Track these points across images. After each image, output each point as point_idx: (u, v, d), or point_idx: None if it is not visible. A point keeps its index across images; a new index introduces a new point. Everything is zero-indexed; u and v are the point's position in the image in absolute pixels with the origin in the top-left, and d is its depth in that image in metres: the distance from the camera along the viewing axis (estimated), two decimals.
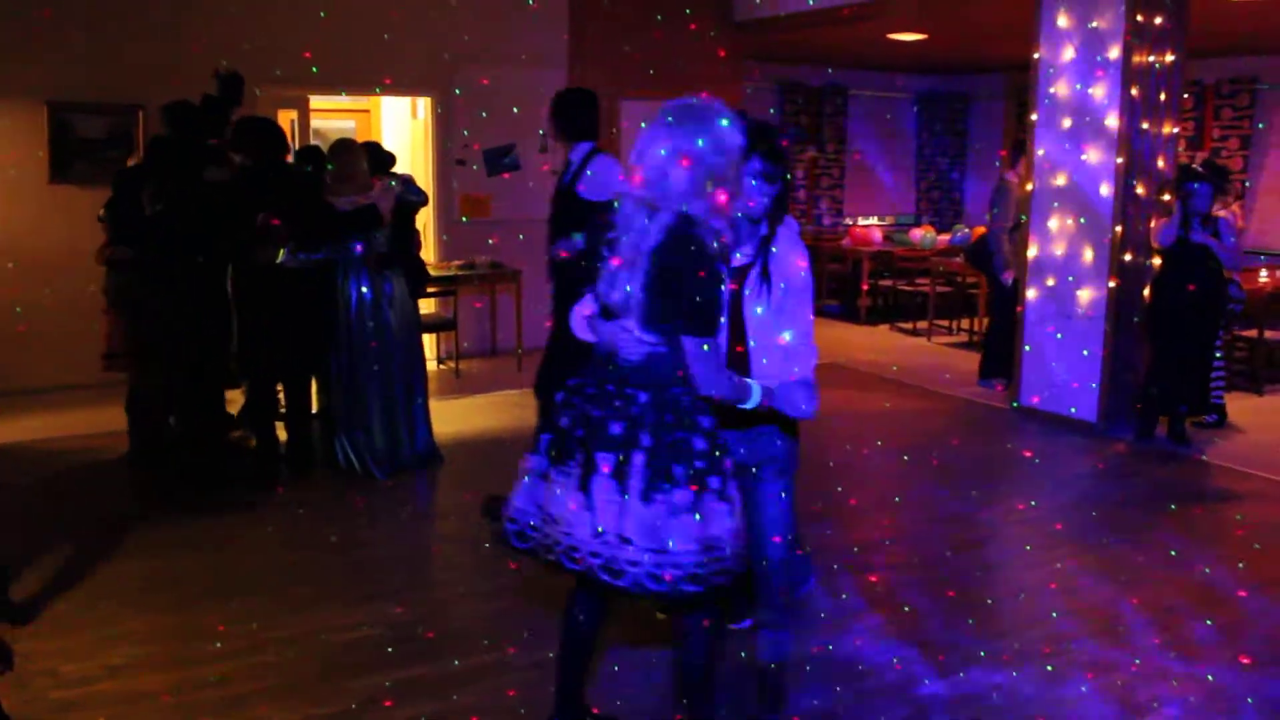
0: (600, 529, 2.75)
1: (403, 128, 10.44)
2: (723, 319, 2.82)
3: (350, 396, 6.12)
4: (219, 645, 4.11)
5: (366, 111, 11.37)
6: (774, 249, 3.07)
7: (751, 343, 3.05)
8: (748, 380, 2.88)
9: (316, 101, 9.49)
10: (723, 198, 2.75)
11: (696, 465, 2.76)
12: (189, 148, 5.83)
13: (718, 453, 2.82)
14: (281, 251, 5.80)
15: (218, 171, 5.85)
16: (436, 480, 6.30)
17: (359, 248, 6.00)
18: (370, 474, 6.12)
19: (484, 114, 9.36)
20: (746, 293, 3.04)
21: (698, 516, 2.73)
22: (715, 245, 2.75)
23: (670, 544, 2.71)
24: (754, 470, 3.17)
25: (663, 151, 2.73)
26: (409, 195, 6.28)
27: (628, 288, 2.77)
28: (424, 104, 9.63)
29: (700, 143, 2.72)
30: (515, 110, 9.23)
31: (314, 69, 8.21)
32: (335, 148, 6.27)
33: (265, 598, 4.55)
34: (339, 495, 5.90)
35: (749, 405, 2.85)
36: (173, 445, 6.17)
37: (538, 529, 2.89)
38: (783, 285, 3.03)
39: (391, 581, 4.77)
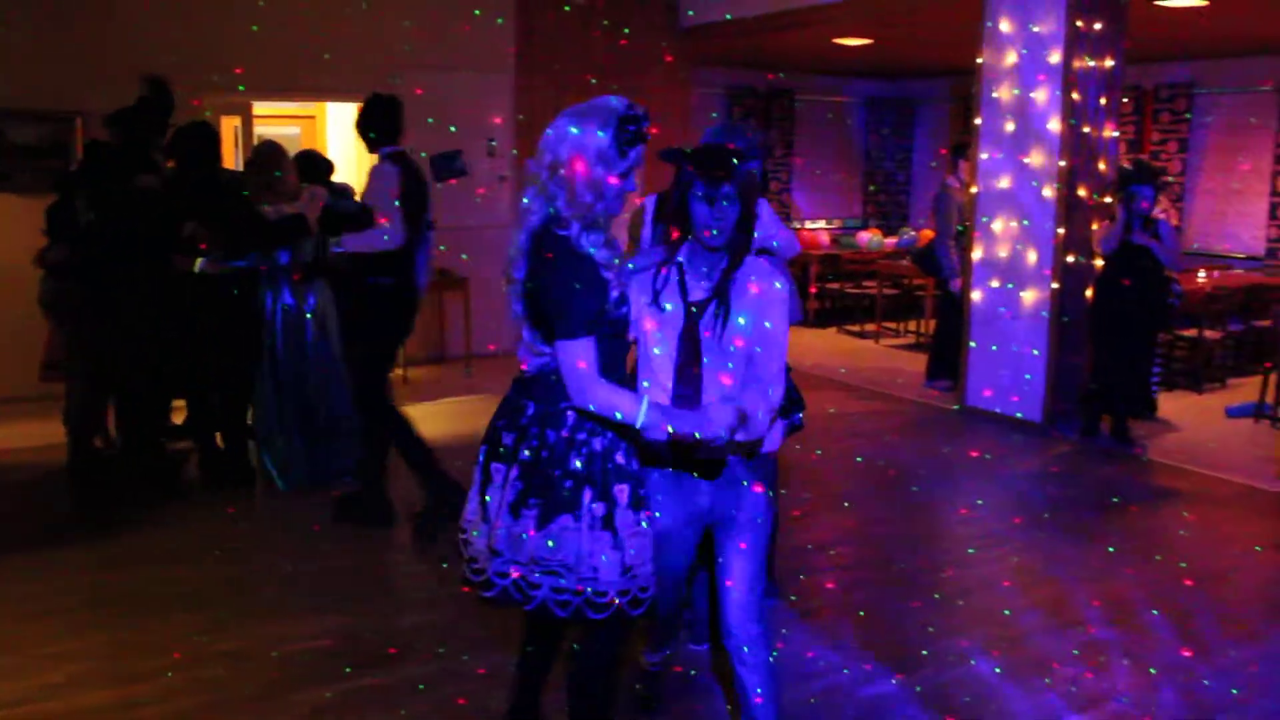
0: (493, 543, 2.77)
1: (349, 134, 10.34)
2: (610, 327, 2.70)
3: (269, 408, 5.99)
4: (163, 660, 4.04)
5: (312, 118, 11.25)
6: (738, 282, 2.82)
7: (705, 359, 2.80)
8: (631, 394, 2.66)
9: (261, 108, 9.38)
10: (561, 190, 2.67)
11: (565, 485, 2.68)
12: (123, 154, 5.73)
13: (606, 477, 2.71)
14: (199, 259, 5.70)
15: (150, 179, 5.73)
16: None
17: (284, 258, 5.88)
18: (281, 486, 6.00)
19: (430, 120, 9.30)
20: (705, 335, 2.80)
21: (550, 543, 2.67)
22: (587, 243, 2.66)
23: (531, 560, 2.69)
24: (723, 523, 2.96)
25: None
26: (339, 205, 6.21)
27: None
28: None
29: (551, 134, 2.72)
30: (453, 128, 9.18)
31: (240, 87, 8.12)
32: (254, 154, 6.15)
33: (209, 611, 4.48)
34: (283, 508, 5.83)
35: (636, 423, 2.58)
36: (112, 457, 6.06)
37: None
38: (741, 320, 2.77)
39: (339, 592, 4.71)
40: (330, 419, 6.10)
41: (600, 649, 2.93)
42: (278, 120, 11.16)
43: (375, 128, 5.44)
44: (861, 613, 4.49)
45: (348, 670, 3.97)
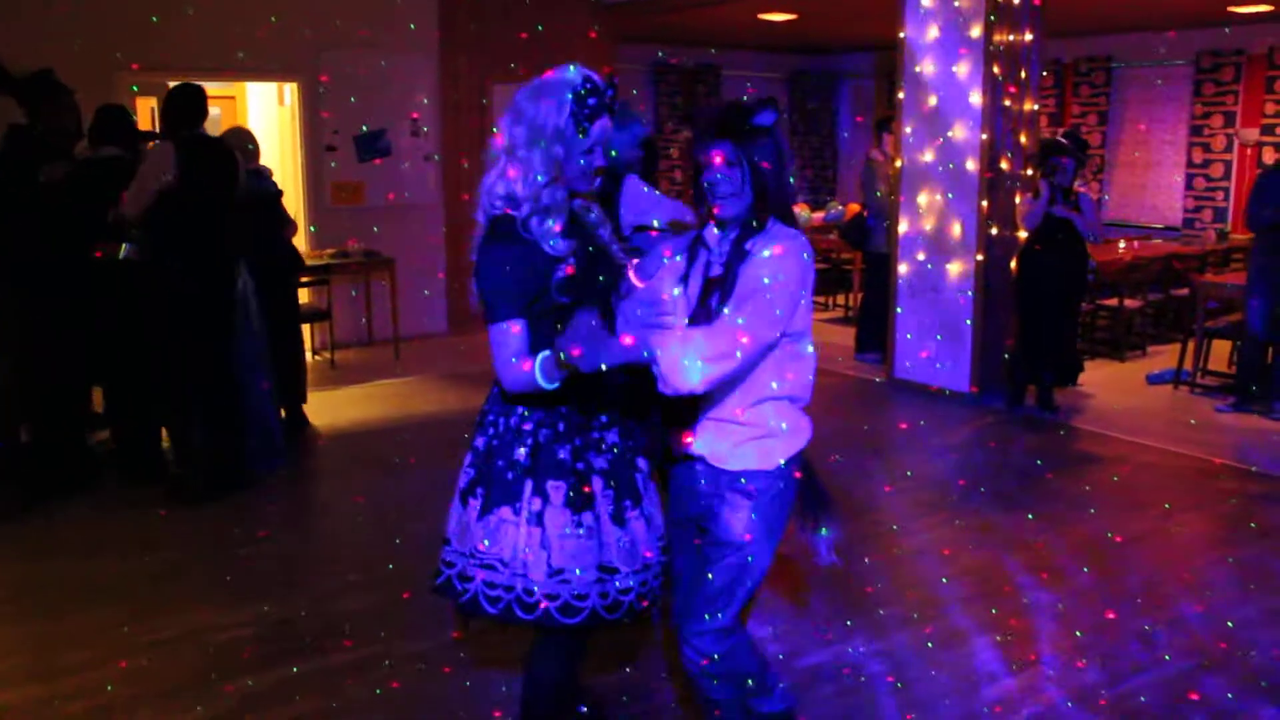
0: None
1: (270, 114, 10.17)
2: (558, 312, 2.54)
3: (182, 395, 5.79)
4: (87, 653, 3.96)
5: (232, 98, 11.03)
6: (751, 255, 2.64)
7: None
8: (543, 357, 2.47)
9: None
10: (512, 172, 2.54)
11: (508, 476, 2.59)
12: (25, 145, 5.52)
13: (545, 471, 2.58)
14: (124, 246, 5.55)
15: (52, 169, 5.45)
16: (309, 475, 6.16)
17: None
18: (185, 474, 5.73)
19: (353, 99, 9.18)
20: (714, 306, 2.64)
21: (486, 542, 2.59)
22: (534, 227, 2.54)
23: (471, 552, 2.62)
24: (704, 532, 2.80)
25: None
26: (259, 185, 6.15)
27: None
28: (290, 90, 9.39)
29: (507, 114, 2.58)
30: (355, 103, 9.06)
31: (134, 87, 7.92)
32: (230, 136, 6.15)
33: (135, 602, 4.39)
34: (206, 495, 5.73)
35: (539, 381, 2.45)
36: (28, 449, 5.87)
37: None
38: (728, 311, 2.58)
39: (266, 579, 4.64)
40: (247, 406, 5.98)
41: (545, 664, 2.79)
42: None
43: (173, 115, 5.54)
44: (793, 585, 4.53)
45: (277, 657, 3.92)
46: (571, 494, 2.58)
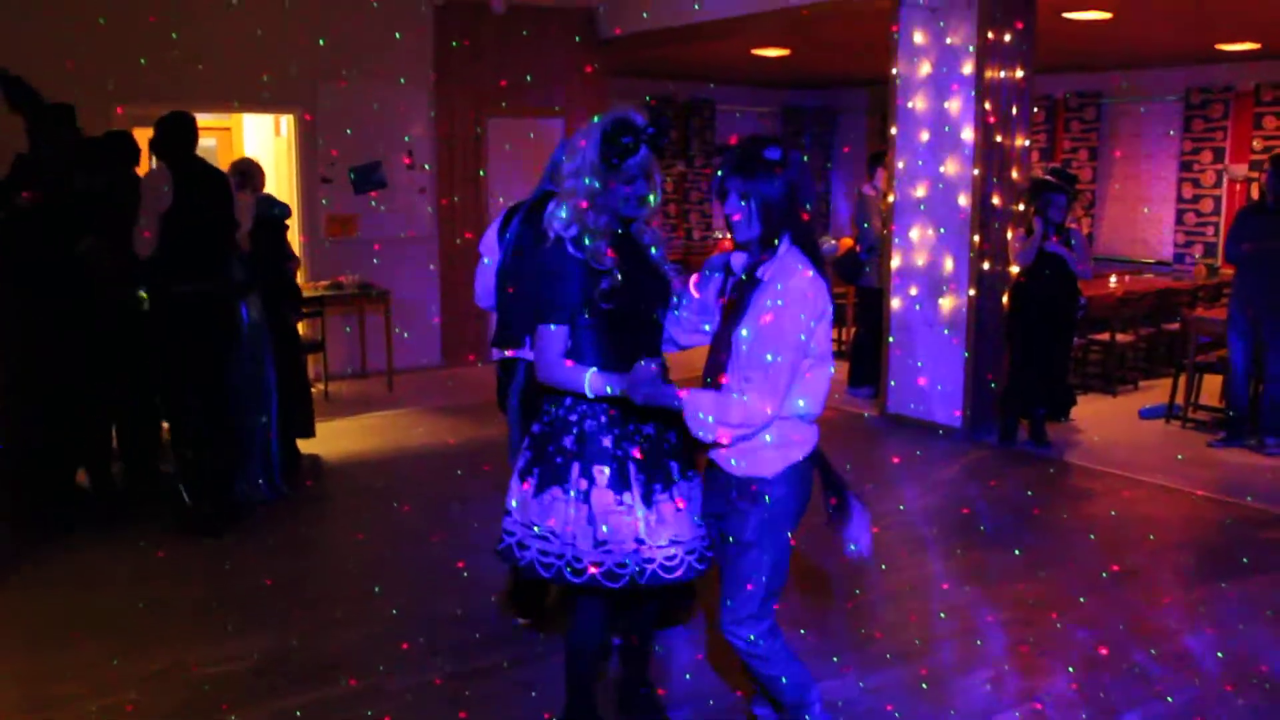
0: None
1: (266, 145, 10.21)
2: (602, 318, 3.00)
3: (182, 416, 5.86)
4: (77, 686, 3.93)
5: (228, 129, 11.08)
6: (763, 281, 2.91)
7: (727, 358, 2.95)
8: (584, 369, 2.99)
9: None
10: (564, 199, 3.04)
11: (557, 460, 3.05)
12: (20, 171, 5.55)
13: (592, 458, 3.02)
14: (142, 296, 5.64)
15: (26, 198, 5.41)
16: (302, 507, 6.14)
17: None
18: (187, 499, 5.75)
19: (349, 131, 9.22)
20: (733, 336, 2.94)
21: (541, 516, 3.06)
22: (575, 247, 3.00)
23: (528, 523, 3.10)
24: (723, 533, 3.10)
25: None
26: (271, 210, 6.17)
27: None
28: (286, 121, 9.43)
29: (565, 152, 3.12)
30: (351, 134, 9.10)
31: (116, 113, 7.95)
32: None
33: (125, 634, 4.37)
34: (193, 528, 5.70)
35: (585, 389, 2.96)
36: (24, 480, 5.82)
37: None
38: (744, 332, 2.88)
39: (259, 612, 4.62)
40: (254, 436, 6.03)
41: (585, 630, 3.25)
42: None
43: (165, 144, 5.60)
44: (783, 619, 4.51)
45: (269, 690, 3.90)
46: (615, 476, 3.02)
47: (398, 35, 9.26)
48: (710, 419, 2.83)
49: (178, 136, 5.54)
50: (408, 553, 5.24)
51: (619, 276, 2.99)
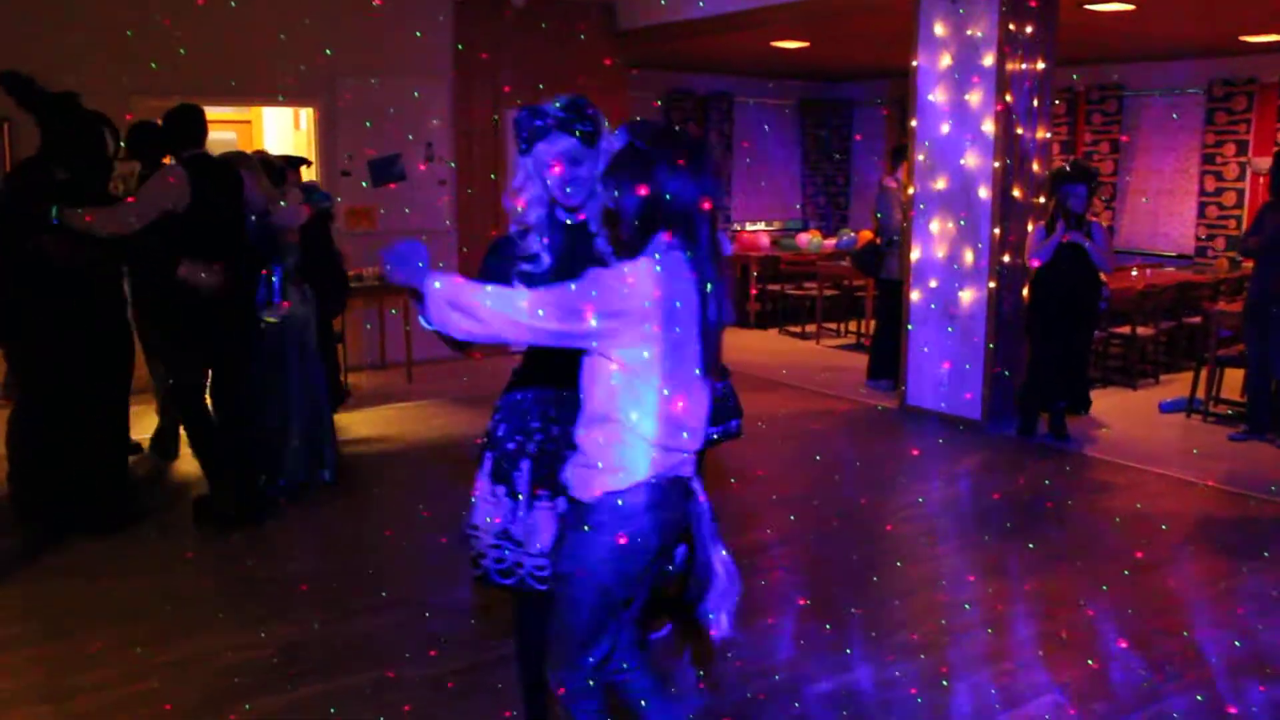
0: None
1: (286, 139, 10.25)
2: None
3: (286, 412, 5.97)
4: (100, 673, 3.97)
5: (248, 123, 11.13)
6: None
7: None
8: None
9: None
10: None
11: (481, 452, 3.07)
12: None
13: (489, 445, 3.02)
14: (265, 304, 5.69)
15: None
16: (322, 497, 6.16)
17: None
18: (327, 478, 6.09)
19: (368, 124, 9.25)
20: None
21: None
22: (520, 238, 2.98)
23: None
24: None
25: None
26: (321, 201, 6.21)
27: None
28: (306, 115, 9.47)
29: None
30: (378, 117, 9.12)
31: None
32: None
33: (147, 623, 4.40)
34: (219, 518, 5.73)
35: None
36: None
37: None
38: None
39: (278, 602, 4.64)
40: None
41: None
42: (213, 125, 11.01)
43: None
44: (805, 611, 4.52)
45: (289, 680, 3.93)
46: (495, 467, 2.98)
47: (418, 34, 9.27)
48: (459, 298, 2.49)
49: (188, 131, 5.41)
50: (427, 544, 5.26)
51: (546, 263, 2.88)
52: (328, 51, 8.86)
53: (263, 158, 6.47)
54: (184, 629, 4.35)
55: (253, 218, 5.61)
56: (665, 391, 2.54)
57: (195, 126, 5.46)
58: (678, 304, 2.51)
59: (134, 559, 5.14)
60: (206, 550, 5.27)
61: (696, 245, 2.56)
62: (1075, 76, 11.96)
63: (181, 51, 7.91)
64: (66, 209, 5.00)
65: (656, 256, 2.53)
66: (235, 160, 5.91)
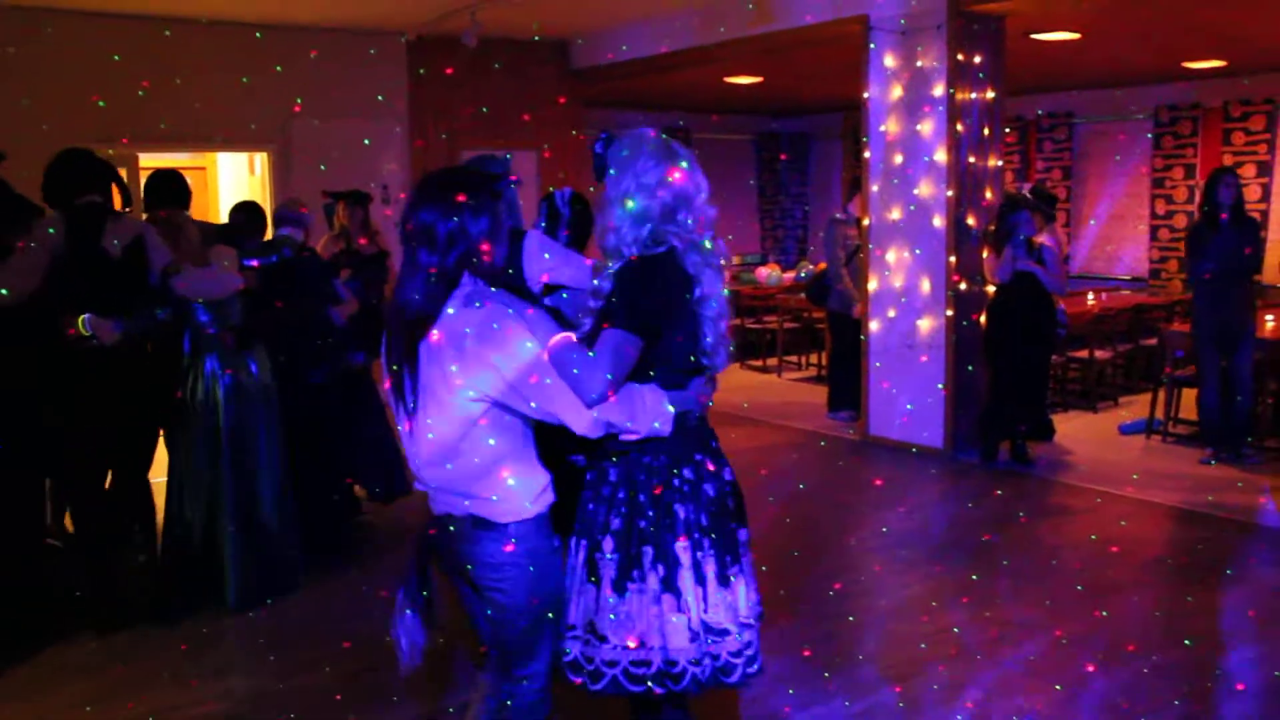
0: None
1: (240, 183, 10.20)
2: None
3: (205, 505, 5.06)
4: None
5: (202, 169, 11.07)
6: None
7: None
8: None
9: (147, 159, 9.16)
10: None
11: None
12: None
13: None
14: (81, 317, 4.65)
15: None
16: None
17: (204, 316, 4.98)
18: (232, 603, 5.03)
19: (323, 167, 9.20)
20: None
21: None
22: None
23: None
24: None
25: None
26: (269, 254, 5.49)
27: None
28: (261, 159, 9.42)
29: None
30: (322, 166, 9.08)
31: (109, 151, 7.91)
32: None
33: (98, 680, 4.30)
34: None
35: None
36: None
37: None
38: None
39: (235, 655, 4.56)
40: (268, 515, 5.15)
41: None
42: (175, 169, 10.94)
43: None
44: (768, 644, 4.48)
45: None
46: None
47: (370, 70, 9.27)
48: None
49: (71, 181, 4.76)
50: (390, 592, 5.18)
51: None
52: (298, 100, 8.85)
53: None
54: (136, 686, 4.25)
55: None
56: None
57: (80, 174, 4.80)
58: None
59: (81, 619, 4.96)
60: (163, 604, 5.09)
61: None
62: (1039, 111, 12.12)
63: (100, 104, 7.76)
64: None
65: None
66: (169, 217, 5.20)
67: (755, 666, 2.78)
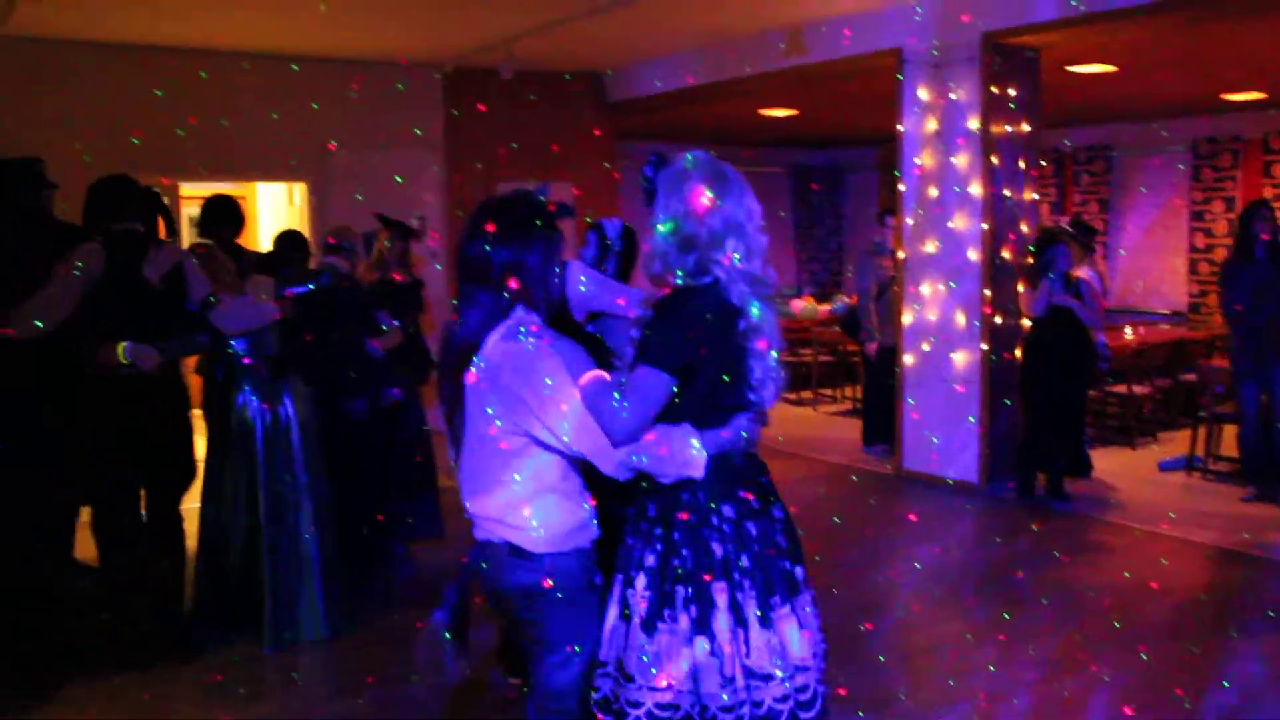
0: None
1: (279, 212, 10.31)
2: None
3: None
4: None
5: (242, 198, 11.18)
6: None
7: None
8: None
9: (188, 189, 9.28)
10: None
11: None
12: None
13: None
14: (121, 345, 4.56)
15: None
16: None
17: (241, 345, 4.97)
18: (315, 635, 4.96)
19: (360, 197, 9.28)
20: None
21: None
22: None
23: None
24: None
25: None
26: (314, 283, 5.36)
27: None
28: (299, 190, 9.52)
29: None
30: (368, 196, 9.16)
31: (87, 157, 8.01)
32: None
33: (86, 713, 4.29)
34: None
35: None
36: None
37: None
38: None
39: (233, 689, 4.55)
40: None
41: None
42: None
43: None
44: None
45: None
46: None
47: (406, 103, 9.35)
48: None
49: (108, 206, 4.78)
50: (397, 619, 5.17)
51: None
52: (332, 144, 8.93)
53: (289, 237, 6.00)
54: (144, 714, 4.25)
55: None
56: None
57: (116, 200, 4.81)
58: None
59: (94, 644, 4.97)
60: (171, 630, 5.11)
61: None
62: (1067, 143, 12.07)
63: (135, 141, 7.83)
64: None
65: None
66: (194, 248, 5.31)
67: (811, 713, 2.62)
